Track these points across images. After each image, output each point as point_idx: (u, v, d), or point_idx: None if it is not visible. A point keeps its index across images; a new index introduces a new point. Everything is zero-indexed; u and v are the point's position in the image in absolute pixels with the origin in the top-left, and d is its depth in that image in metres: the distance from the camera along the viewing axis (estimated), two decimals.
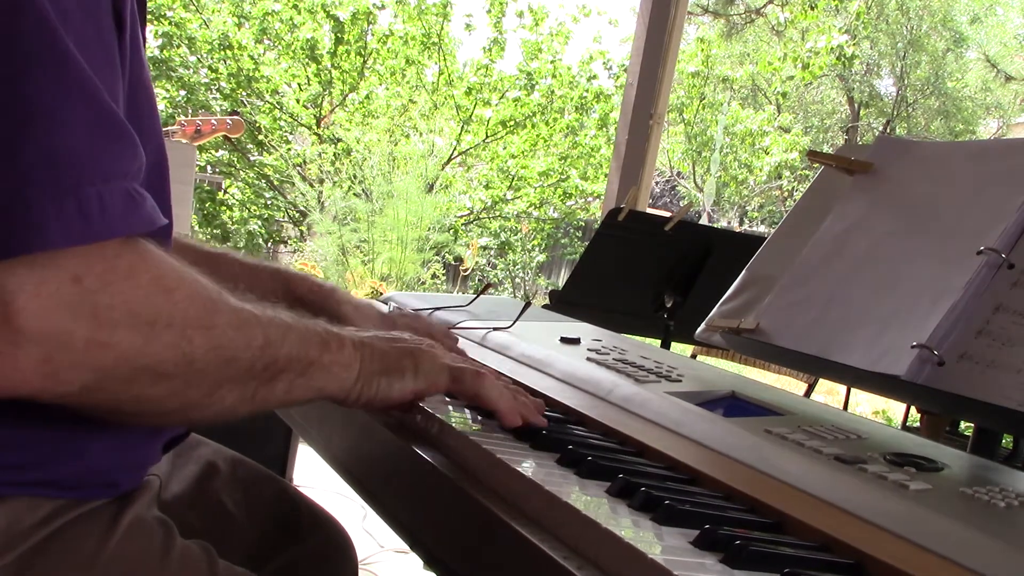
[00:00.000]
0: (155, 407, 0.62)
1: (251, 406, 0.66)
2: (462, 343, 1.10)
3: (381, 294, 3.45)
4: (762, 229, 14.53)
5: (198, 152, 6.76)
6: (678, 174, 14.69)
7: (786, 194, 14.73)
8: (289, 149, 9.27)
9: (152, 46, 8.72)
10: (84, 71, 0.55)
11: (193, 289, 0.61)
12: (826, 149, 9.64)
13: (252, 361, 0.64)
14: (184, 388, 0.61)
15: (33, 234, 0.52)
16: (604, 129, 9.85)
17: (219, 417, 0.66)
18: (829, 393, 6.23)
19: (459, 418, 0.81)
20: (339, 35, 9.24)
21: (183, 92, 8.97)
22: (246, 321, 0.65)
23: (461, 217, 9.54)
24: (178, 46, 8.90)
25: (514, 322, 1.23)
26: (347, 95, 9.55)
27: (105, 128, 0.56)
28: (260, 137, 9.11)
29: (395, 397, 0.77)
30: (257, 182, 9.37)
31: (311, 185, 8.72)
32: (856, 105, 17.03)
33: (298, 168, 8.99)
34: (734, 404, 0.97)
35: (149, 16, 8.74)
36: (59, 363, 0.55)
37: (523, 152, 9.81)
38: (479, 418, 0.83)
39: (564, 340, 1.19)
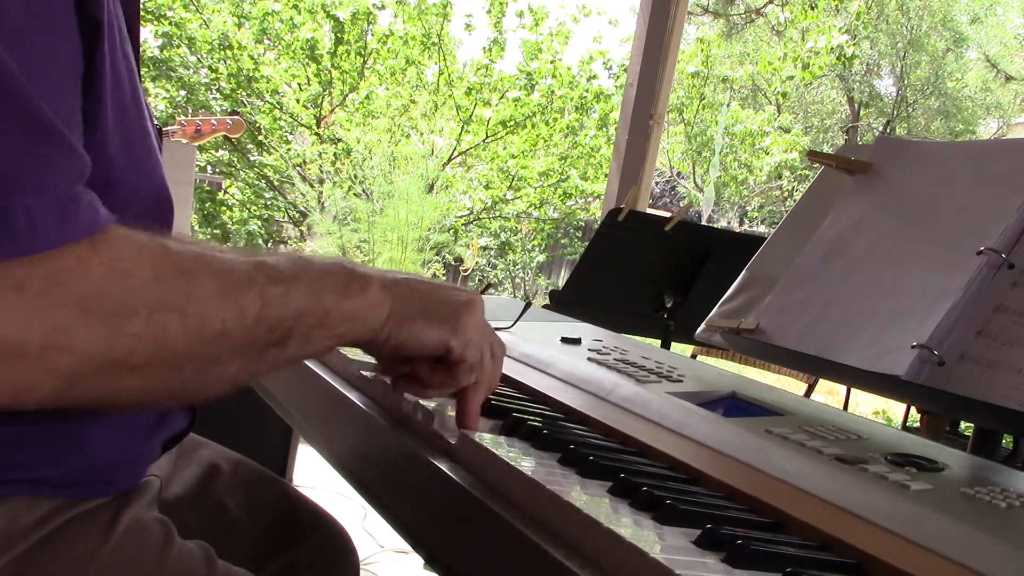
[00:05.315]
0: (146, 396, 0.59)
1: (261, 368, 0.62)
2: None
3: None
4: (762, 229, 14.53)
5: (198, 152, 6.77)
6: (678, 174, 14.69)
7: (786, 194, 14.73)
8: (289, 149, 9.28)
9: (152, 46, 8.73)
10: (12, 76, 0.50)
11: (159, 267, 0.56)
12: (826, 149, 9.64)
13: (249, 328, 0.59)
14: (170, 372, 0.57)
15: None
16: (604, 129, 9.86)
17: (227, 390, 0.62)
18: (829, 393, 6.23)
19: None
20: (339, 35, 9.24)
21: (183, 92, 8.99)
22: (236, 284, 0.59)
23: (461, 217, 9.55)
24: (178, 46, 8.91)
25: (515, 322, 1.23)
26: (347, 95, 9.55)
27: (34, 137, 0.52)
28: (260, 137, 9.12)
29: (429, 345, 0.71)
30: (257, 182, 9.38)
31: (311, 185, 8.73)
32: (856, 105, 17.04)
33: (298, 168, 9.00)
34: (735, 404, 0.97)
35: (149, 16, 8.65)
36: (22, 372, 0.52)
37: (523, 152, 9.83)
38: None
39: (565, 340, 1.19)
